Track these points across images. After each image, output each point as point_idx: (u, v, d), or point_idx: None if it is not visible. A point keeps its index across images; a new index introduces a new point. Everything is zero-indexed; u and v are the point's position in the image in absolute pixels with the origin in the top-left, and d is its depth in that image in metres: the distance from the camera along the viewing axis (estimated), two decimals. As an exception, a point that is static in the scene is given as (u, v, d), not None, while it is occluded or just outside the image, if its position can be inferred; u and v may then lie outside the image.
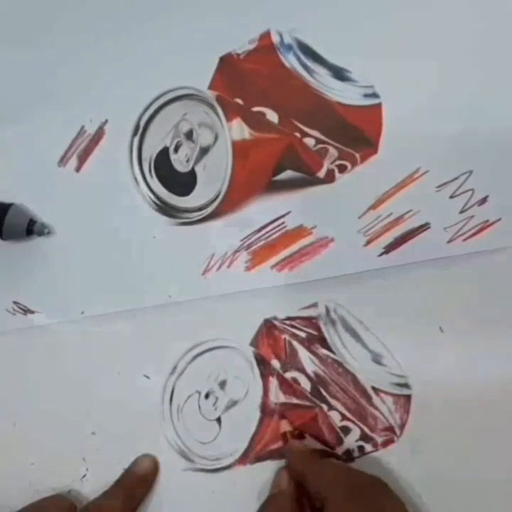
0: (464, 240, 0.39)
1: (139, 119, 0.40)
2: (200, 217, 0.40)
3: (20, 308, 0.40)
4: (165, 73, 0.40)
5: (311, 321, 0.39)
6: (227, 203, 0.40)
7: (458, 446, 0.37)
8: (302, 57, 0.40)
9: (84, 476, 0.40)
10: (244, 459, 0.39)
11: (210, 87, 0.40)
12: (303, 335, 0.39)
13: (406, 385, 0.38)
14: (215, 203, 0.40)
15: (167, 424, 0.40)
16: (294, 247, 0.40)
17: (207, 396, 0.40)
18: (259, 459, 0.39)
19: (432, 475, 0.37)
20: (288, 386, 0.39)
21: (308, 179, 0.40)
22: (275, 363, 0.39)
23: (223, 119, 0.40)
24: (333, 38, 0.39)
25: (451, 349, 0.38)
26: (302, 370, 0.39)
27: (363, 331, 0.39)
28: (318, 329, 0.39)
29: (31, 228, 0.39)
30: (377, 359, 0.39)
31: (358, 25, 0.39)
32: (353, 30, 0.39)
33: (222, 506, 0.39)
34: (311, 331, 0.39)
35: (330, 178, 0.40)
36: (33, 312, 0.40)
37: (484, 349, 0.38)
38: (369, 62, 0.40)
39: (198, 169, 0.40)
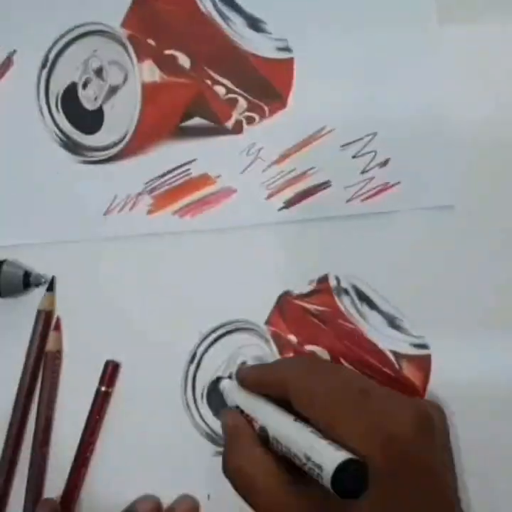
0: (363, 200, 0.40)
1: (49, 51, 0.39)
2: (105, 157, 0.40)
3: None
4: (78, 7, 0.39)
5: (323, 293, 0.39)
6: (133, 145, 0.40)
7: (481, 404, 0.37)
8: (219, 3, 0.40)
9: None
10: None
11: (123, 26, 0.39)
12: (318, 308, 0.39)
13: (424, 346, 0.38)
14: (121, 144, 0.40)
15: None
16: (197, 195, 0.40)
17: None
18: None
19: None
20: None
21: (216, 128, 0.40)
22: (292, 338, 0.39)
23: (134, 59, 0.40)
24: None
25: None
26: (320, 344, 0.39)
27: (375, 296, 0.38)
28: (332, 301, 0.39)
29: (27, 281, 0.39)
30: (393, 323, 0.38)
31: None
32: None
33: None
34: (325, 303, 0.39)
35: (238, 129, 0.40)
36: None
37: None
38: (284, 15, 0.40)
39: (105, 108, 0.40)
